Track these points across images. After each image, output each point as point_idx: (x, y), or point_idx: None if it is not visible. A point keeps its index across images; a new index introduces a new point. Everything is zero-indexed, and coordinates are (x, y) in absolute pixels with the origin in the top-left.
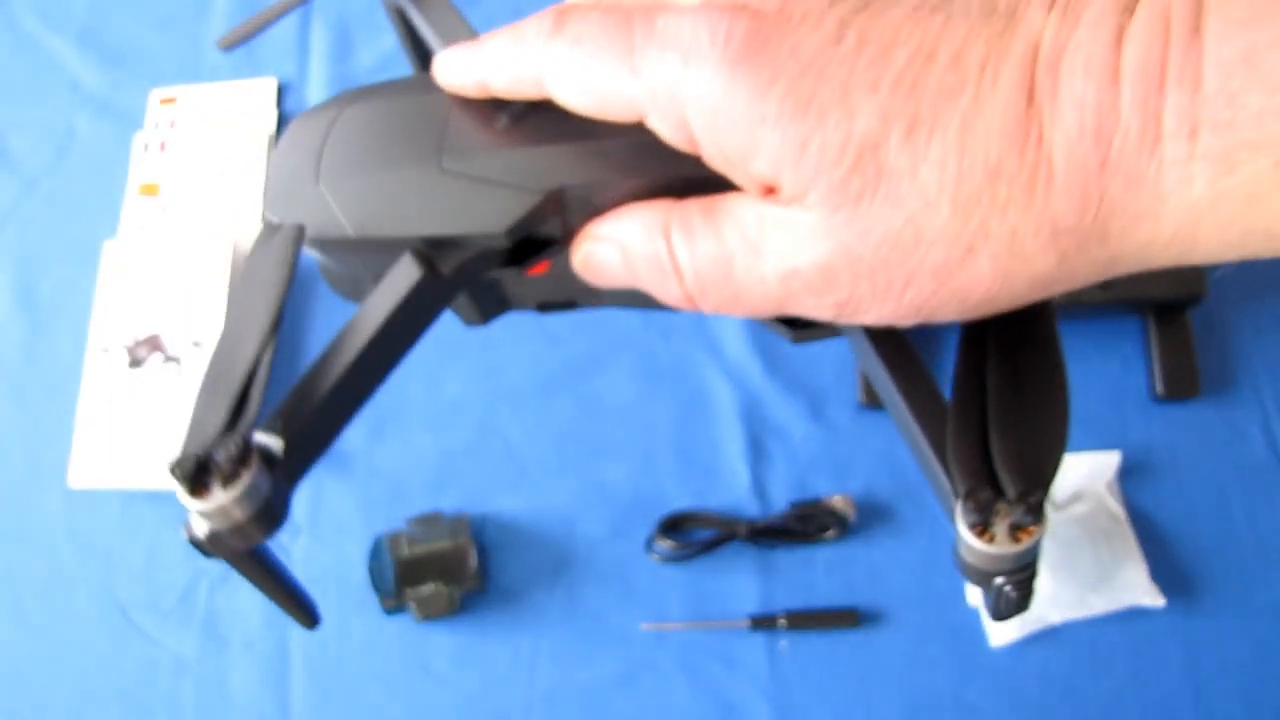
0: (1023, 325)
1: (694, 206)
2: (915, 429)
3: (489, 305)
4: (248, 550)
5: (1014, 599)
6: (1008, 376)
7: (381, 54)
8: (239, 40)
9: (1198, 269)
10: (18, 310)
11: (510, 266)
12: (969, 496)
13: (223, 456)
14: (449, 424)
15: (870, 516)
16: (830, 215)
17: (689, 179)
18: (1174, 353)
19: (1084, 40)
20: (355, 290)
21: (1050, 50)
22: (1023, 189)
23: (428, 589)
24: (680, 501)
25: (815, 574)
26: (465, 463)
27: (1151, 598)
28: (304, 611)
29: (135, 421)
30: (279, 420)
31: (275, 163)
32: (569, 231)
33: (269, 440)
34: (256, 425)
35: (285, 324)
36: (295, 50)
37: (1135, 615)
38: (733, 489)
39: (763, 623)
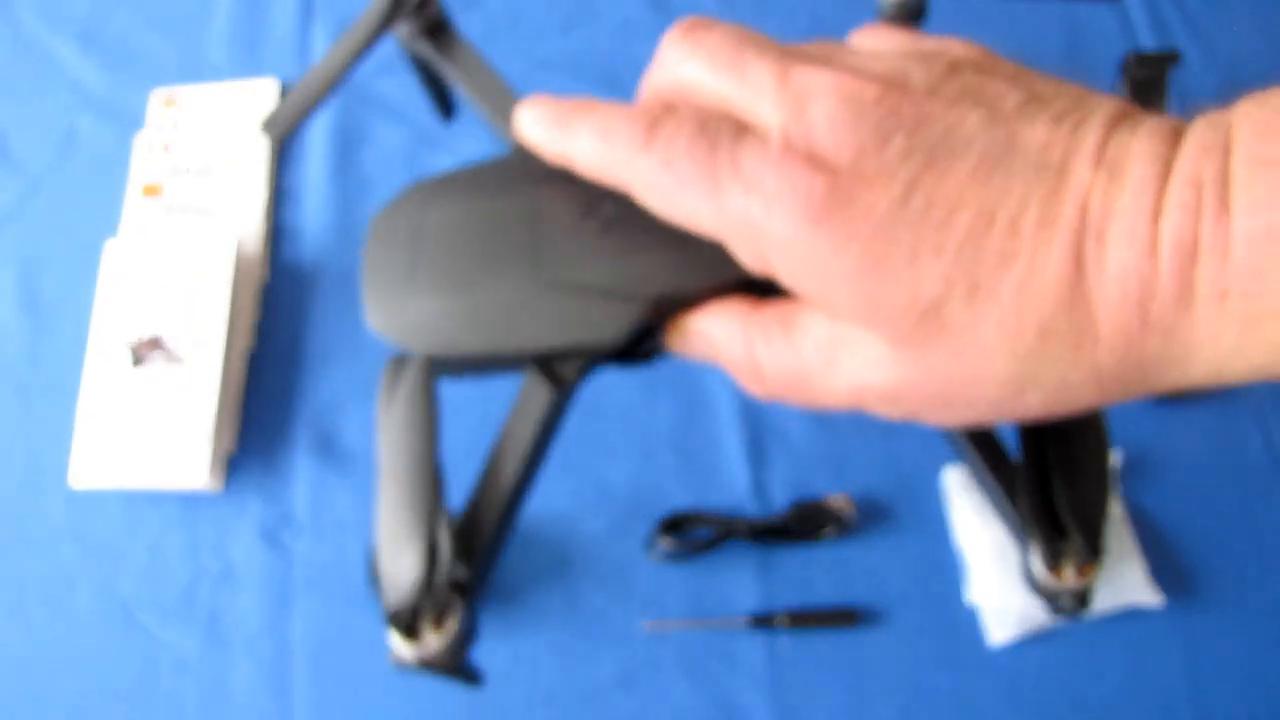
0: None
1: (773, 318)
2: (996, 490)
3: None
4: (454, 665)
5: (1075, 607)
6: (1064, 446)
7: (382, 56)
8: (287, 128)
9: None
10: (20, 310)
11: (620, 360)
12: (1048, 545)
13: (430, 607)
14: (449, 423)
15: (870, 516)
16: (896, 353)
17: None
18: None
19: (1127, 208)
20: (460, 374)
21: (1097, 217)
22: (1071, 346)
23: None
24: (680, 501)
25: (815, 573)
26: (465, 462)
27: (1150, 597)
28: (470, 677)
29: (137, 421)
30: (461, 551)
31: (371, 279)
32: (665, 321)
33: (460, 572)
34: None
35: (286, 323)
36: (296, 50)
37: (1134, 615)
38: (733, 489)
39: (763, 622)
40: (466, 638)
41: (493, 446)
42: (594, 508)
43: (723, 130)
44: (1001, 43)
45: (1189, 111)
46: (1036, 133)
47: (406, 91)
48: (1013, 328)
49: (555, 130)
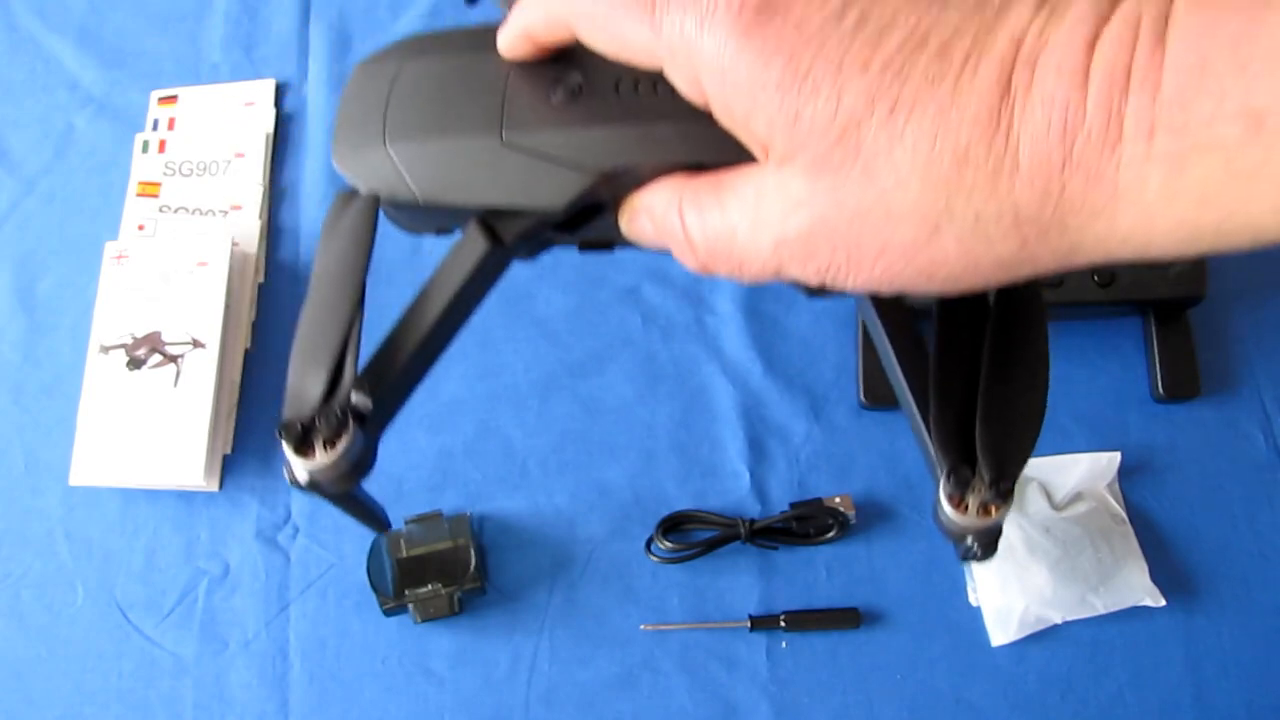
0: (1016, 321)
1: (705, 183)
2: (911, 403)
3: (535, 245)
4: (342, 491)
5: (979, 553)
6: (999, 370)
7: None
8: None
9: (1199, 268)
10: (18, 310)
11: (564, 232)
12: (951, 473)
13: (324, 425)
14: (449, 424)
15: (870, 516)
16: (813, 183)
17: (719, 162)
18: (1174, 353)
19: (1061, 41)
20: (411, 225)
21: (1030, 48)
22: (988, 177)
23: (427, 589)
24: (680, 501)
25: (815, 574)
26: (465, 463)
27: (1152, 598)
28: (376, 521)
29: (135, 420)
30: (366, 382)
31: (341, 117)
32: (615, 199)
33: (359, 400)
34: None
35: (283, 323)
36: (294, 50)
37: (1136, 615)
38: (733, 489)
39: (763, 623)
40: (358, 468)
41: (419, 289)
42: (594, 508)
43: None
44: None
45: None
46: None
47: None
48: (929, 152)
49: (513, 11)
